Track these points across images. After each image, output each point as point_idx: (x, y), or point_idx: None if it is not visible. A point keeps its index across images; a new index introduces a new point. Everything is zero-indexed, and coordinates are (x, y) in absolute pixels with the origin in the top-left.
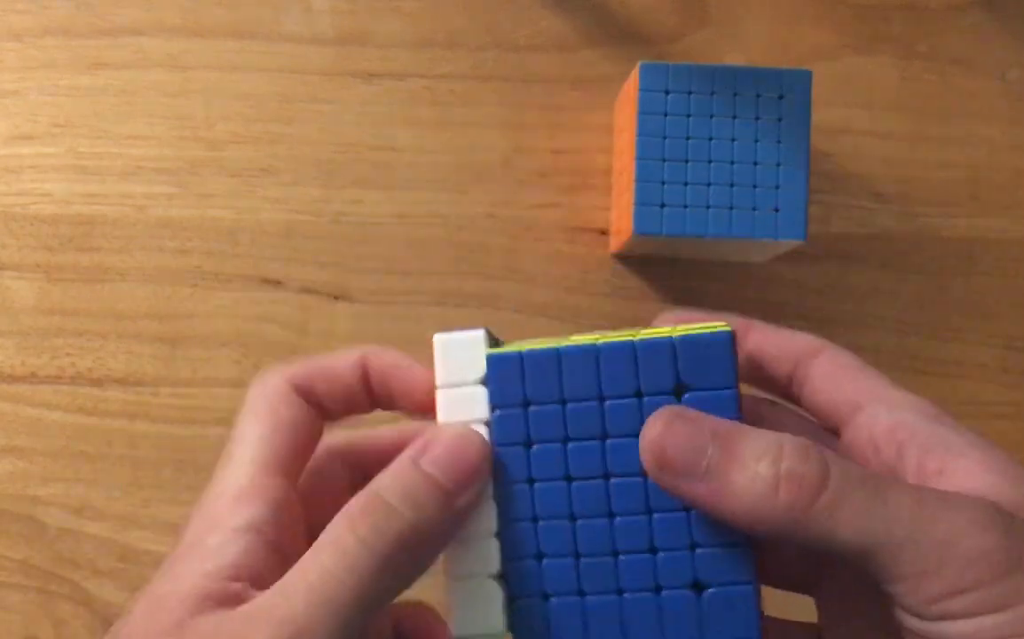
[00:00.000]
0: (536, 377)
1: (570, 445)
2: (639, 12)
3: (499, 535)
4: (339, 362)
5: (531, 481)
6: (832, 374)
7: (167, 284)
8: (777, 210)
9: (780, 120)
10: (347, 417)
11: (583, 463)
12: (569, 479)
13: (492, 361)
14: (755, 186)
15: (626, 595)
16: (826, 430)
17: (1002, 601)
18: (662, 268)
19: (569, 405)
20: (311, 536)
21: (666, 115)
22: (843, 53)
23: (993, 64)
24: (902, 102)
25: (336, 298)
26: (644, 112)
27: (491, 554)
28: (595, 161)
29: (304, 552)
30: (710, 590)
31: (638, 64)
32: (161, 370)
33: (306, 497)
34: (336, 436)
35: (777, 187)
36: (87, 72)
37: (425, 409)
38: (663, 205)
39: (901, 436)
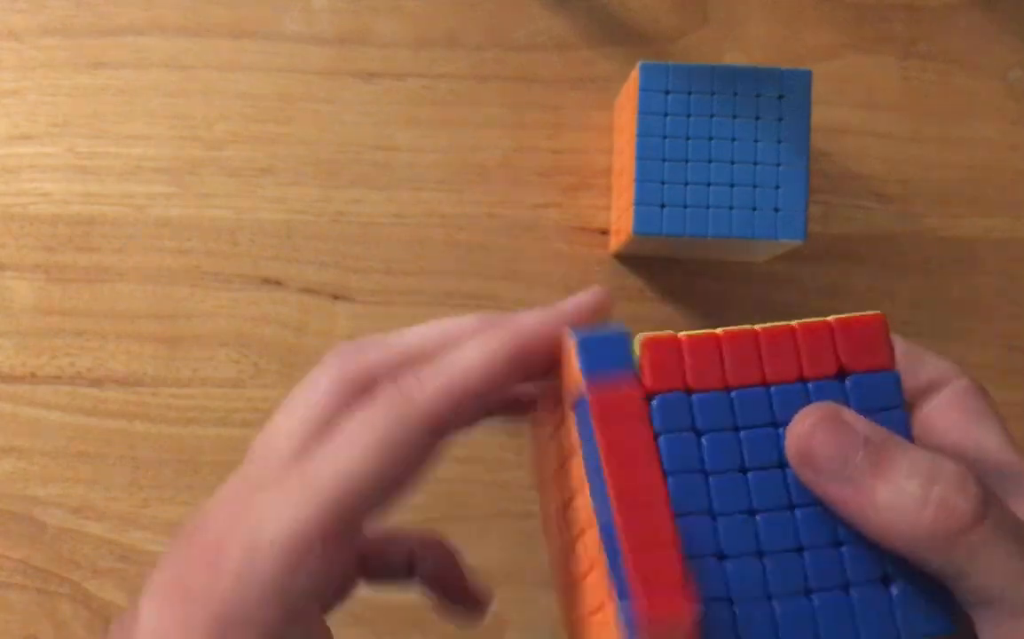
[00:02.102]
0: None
1: (741, 434)
2: (639, 12)
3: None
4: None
5: (704, 473)
6: (949, 412)
7: (167, 284)
8: (777, 210)
9: (780, 120)
10: None
11: (756, 453)
12: (744, 470)
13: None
14: (755, 186)
15: (815, 596)
16: None
17: None
18: (662, 268)
19: (734, 393)
20: None
21: (666, 115)
22: (843, 53)
23: (993, 64)
24: (902, 102)
25: (336, 298)
26: (644, 112)
27: None
28: (595, 161)
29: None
30: (900, 582)
31: (638, 64)
32: (161, 370)
33: None
34: None
35: (777, 187)
36: (87, 72)
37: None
38: (663, 205)
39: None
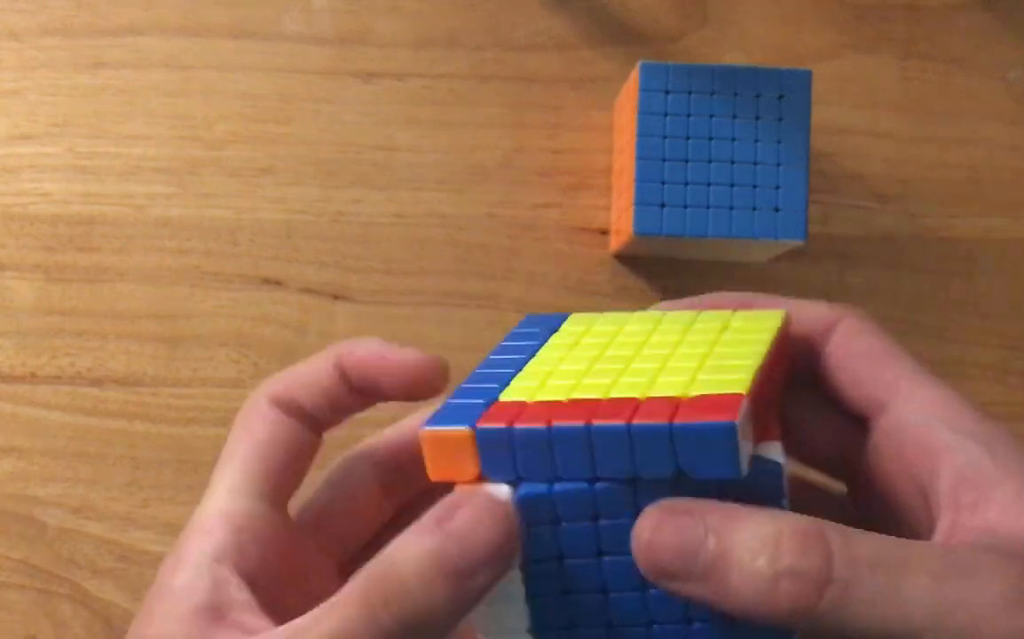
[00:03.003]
0: (528, 458)
1: (601, 521)
2: (639, 12)
3: (527, 600)
4: (313, 366)
5: (560, 558)
6: (849, 358)
7: (166, 284)
8: (777, 210)
9: (780, 120)
10: (342, 420)
11: (611, 541)
12: (600, 555)
13: (481, 438)
14: (755, 186)
15: None
16: (854, 419)
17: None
18: (662, 268)
19: (557, 487)
20: (335, 546)
21: (666, 115)
22: (843, 53)
23: (993, 64)
24: (902, 102)
25: (336, 298)
26: (644, 112)
27: (521, 616)
28: (595, 161)
29: (283, 570)
30: None
31: (638, 64)
32: (161, 370)
33: (328, 508)
34: (370, 438)
35: (777, 187)
36: (86, 72)
37: (416, 394)
38: (663, 205)
39: (933, 448)
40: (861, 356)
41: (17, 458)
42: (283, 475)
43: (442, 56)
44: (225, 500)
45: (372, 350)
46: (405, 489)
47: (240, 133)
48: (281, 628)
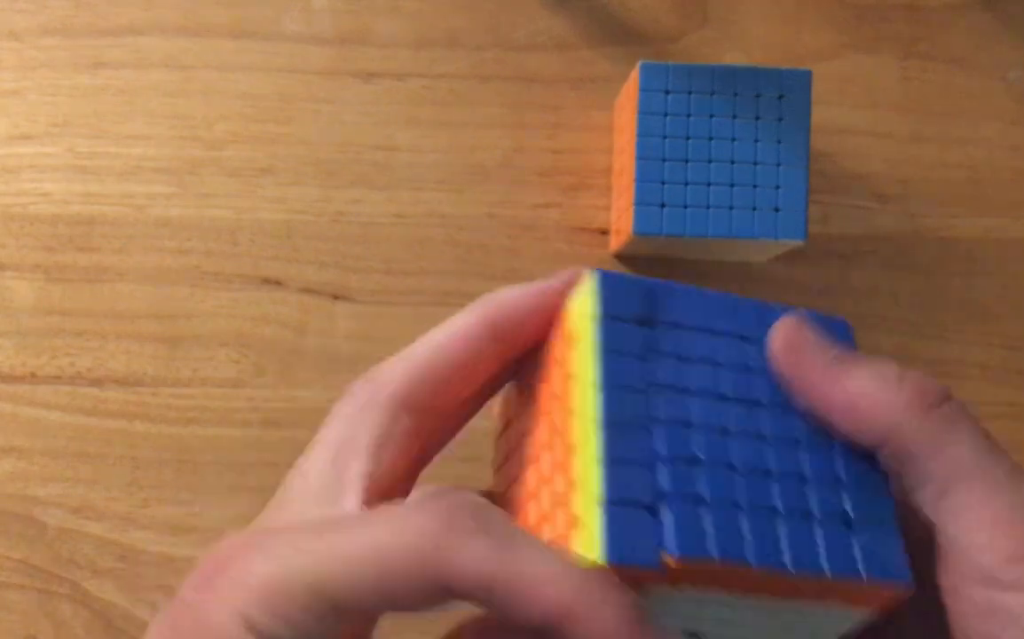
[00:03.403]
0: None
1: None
2: (639, 12)
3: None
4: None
5: (683, 390)
6: (985, 519)
7: (166, 284)
8: (777, 210)
9: (780, 120)
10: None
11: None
12: (720, 397)
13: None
14: (755, 186)
15: (781, 509)
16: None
17: None
18: (662, 268)
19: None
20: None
21: (666, 115)
22: (843, 53)
23: (993, 64)
24: (902, 102)
25: (336, 298)
26: (644, 112)
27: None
28: (595, 161)
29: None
30: (862, 525)
31: (638, 64)
32: (161, 370)
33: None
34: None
35: (777, 187)
36: (86, 72)
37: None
38: (663, 205)
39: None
40: (999, 517)
41: (17, 458)
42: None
43: (442, 56)
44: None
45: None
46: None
47: (240, 133)
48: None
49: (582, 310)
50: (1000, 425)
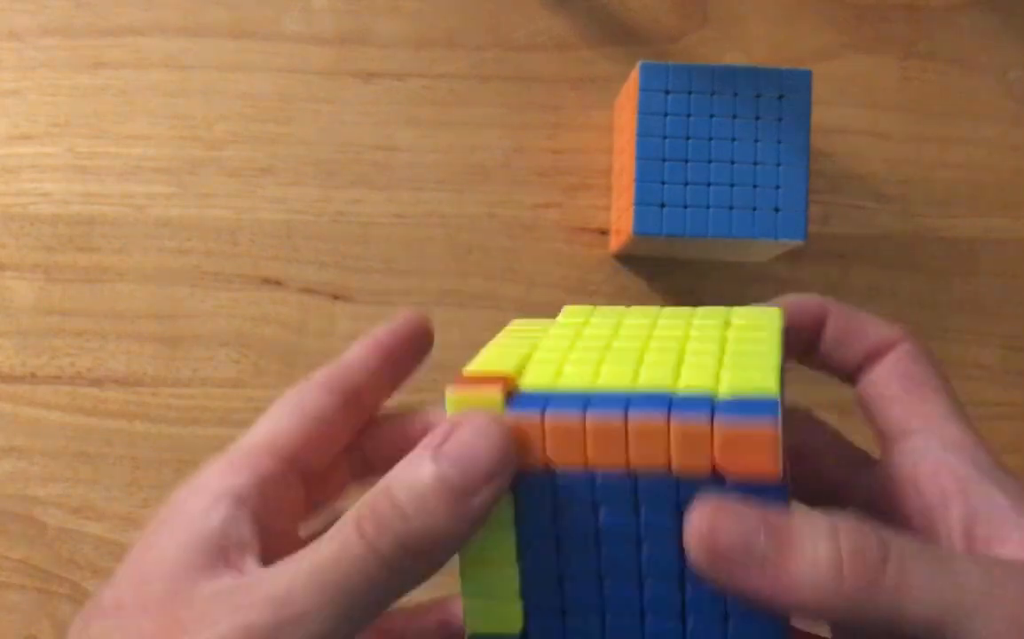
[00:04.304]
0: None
1: (601, 510)
2: (639, 12)
3: (519, 559)
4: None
5: (558, 544)
6: (891, 383)
7: (167, 284)
8: (777, 210)
9: (780, 120)
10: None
11: (614, 536)
12: (598, 543)
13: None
14: (755, 186)
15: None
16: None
17: None
18: (662, 268)
19: (599, 476)
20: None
21: (666, 115)
22: (843, 53)
23: (993, 64)
24: (902, 102)
25: (336, 298)
26: (644, 112)
27: (511, 578)
28: (595, 161)
29: (294, 540)
30: None
31: (638, 64)
32: (161, 370)
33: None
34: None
35: (777, 187)
36: (87, 72)
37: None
38: (663, 205)
39: (947, 484)
40: (903, 380)
41: (17, 458)
42: (317, 450)
43: (442, 56)
44: (253, 450)
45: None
46: (361, 414)
47: (240, 133)
48: (281, 561)
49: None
50: (1000, 425)
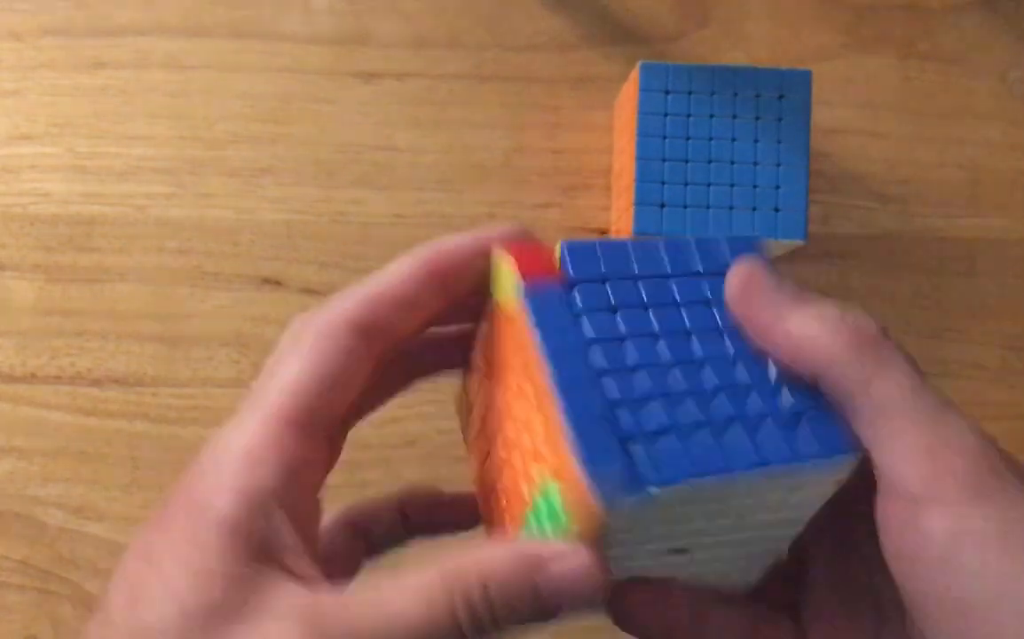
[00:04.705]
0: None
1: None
2: (639, 12)
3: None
4: (397, 279)
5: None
6: (908, 448)
7: (167, 284)
8: (777, 210)
9: (780, 120)
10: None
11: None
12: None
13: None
14: (755, 186)
15: (718, 416)
16: None
17: (988, 492)
18: None
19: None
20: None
21: (666, 115)
22: (843, 53)
23: (993, 64)
24: (902, 102)
25: None
26: (644, 112)
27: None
28: (595, 161)
29: (315, 517)
30: (802, 412)
31: (638, 64)
32: (161, 370)
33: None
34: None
35: (777, 187)
36: (87, 72)
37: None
38: (663, 205)
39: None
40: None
41: (17, 458)
42: (346, 411)
43: (442, 56)
44: (278, 431)
45: (462, 243)
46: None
47: (240, 133)
48: (360, 595)
49: (506, 287)
50: (1000, 425)
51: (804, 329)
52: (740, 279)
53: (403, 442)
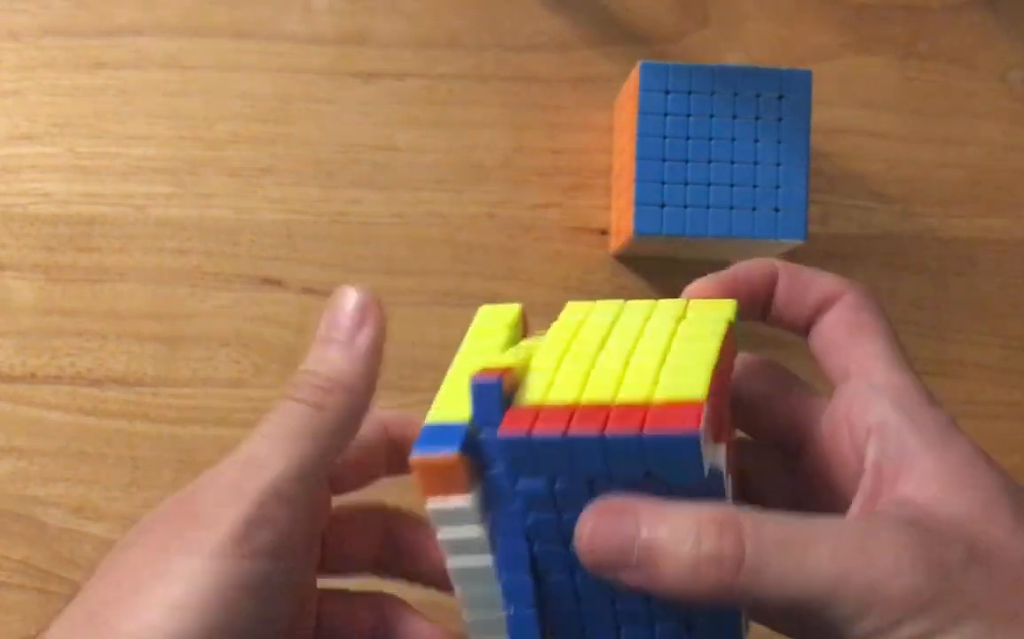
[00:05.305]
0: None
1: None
2: (639, 12)
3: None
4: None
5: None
6: (835, 332)
7: (167, 284)
8: (777, 210)
9: (780, 120)
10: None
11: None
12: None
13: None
14: (755, 186)
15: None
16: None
17: (931, 629)
18: (662, 268)
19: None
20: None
21: (666, 115)
22: (843, 53)
23: (993, 64)
24: (902, 102)
25: None
26: (644, 112)
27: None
28: (595, 161)
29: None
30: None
31: (638, 64)
32: (161, 370)
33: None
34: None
35: (777, 187)
36: (87, 72)
37: None
38: (663, 205)
39: (871, 424)
40: (845, 328)
41: (17, 458)
42: (345, 463)
43: (442, 56)
44: (282, 481)
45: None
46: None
47: (240, 133)
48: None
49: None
50: (1000, 425)
51: (674, 583)
52: (584, 548)
53: None
